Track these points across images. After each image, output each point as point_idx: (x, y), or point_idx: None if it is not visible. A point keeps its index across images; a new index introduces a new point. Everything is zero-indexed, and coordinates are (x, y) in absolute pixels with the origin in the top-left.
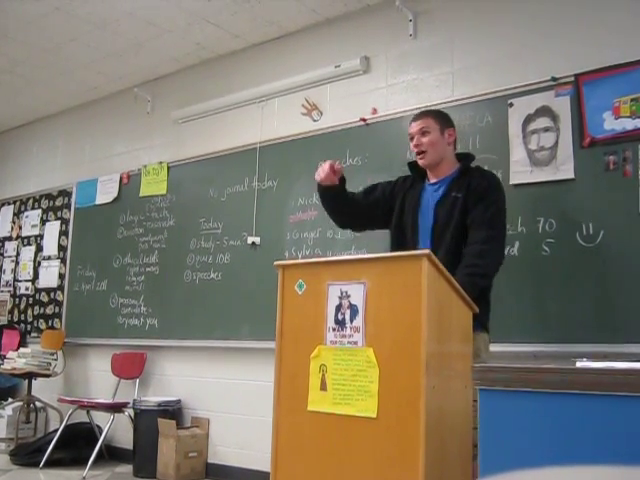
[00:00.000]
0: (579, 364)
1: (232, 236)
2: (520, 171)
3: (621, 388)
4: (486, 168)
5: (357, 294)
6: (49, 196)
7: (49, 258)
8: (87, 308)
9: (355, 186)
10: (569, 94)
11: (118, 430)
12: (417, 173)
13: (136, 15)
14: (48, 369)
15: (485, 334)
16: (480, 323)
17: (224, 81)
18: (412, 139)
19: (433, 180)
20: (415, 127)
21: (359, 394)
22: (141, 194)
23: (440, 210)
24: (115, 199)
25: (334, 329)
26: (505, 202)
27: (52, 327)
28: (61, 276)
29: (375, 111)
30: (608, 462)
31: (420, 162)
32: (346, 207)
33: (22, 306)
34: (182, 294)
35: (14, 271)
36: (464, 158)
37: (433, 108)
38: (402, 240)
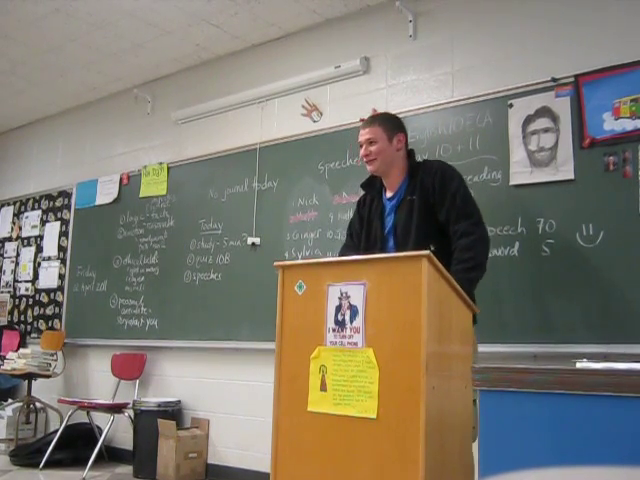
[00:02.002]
0: (579, 365)
1: (232, 237)
2: (520, 172)
3: (621, 389)
4: (486, 169)
5: (357, 295)
6: (49, 197)
7: (49, 259)
8: (87, 309)
9: (355, 187)
10: (569, 95)
11: (118, 431)
12: (372, 190)
13: (136, 16)
14: (48, 370)
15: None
16: None
17: (224, 82)
18: (360, 146)
19: (390, 194)
20: (363, 136)
21: (359, 395)
22: (141, 195)
23: (399, 215)
24: (115, 200)
25: (334, 330)
26: (464, 181)
27: (52, 328)
28: (61, 277)
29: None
30: (608, 463)
31: (368, 169)
32: None
33: (22, 307)
34: (182, 295)
35: (14, 272)
36: (412, 162)
37: (382, 113)
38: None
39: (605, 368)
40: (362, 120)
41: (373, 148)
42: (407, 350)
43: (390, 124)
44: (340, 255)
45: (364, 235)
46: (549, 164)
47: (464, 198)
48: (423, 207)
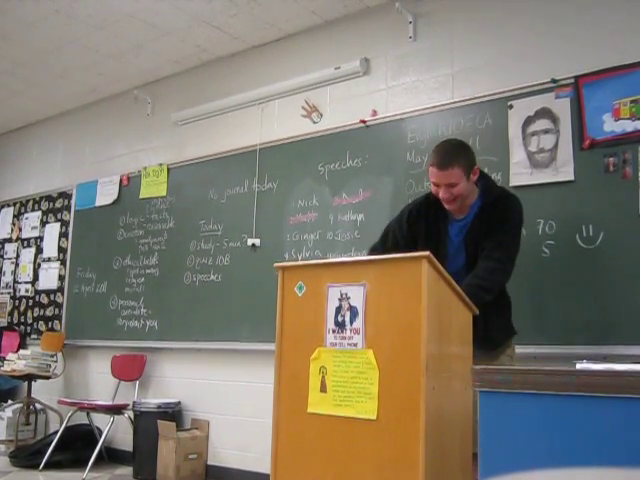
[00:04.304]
0: (579, 366)
1: (232, 238)
2: (520, 173)
3: (621, 390)
4: (486, 170)
5: (357, 296)
6: (49, 198)
7: (49, 260)
8: (87, 310)
9: (355, 188)
10: (569, 96)
11: (118, 432)
12: (437, 201)
13: (136, 17)
14: (48, 371)
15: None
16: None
17: (224, 83)
18: (437, 185)
19: (459, 217)
20: (442, 179)
21: (359, 396)
22: (141, 196)
23: (469, 244)
24: (115, 201)
25: (334, 331)
26: (521, 226)
27: (52, 329)
28: (61, 278)
29: (375, 113)
30: (608, 464)
31: (447, 207)
32: None
33: (22, 308)
34: (182, 296)
35: (14, 273)
36: (484, 184)
37: (455, 146)
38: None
39: (605, 369)
40: (362, 121)
41: (454, 190)
42: (407, 351)
43: (467, 162)
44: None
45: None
46: (549, 165)
47: (512, 237)
48: (485, 232)
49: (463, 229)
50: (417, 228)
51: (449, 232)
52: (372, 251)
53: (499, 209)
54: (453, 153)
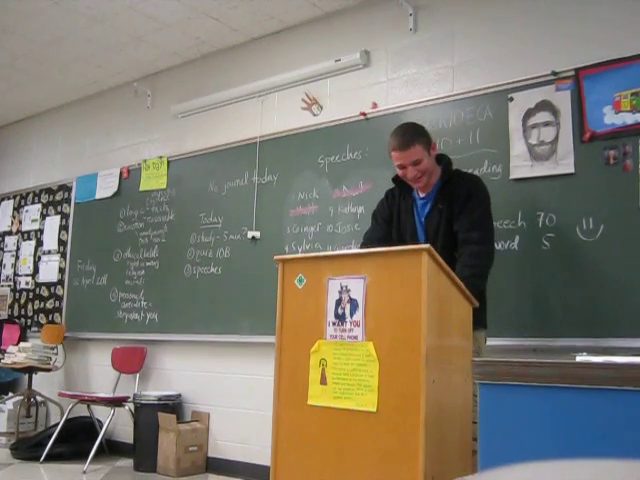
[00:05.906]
0: (579, 358)
1: (232, 230)
2: (520, 165)
3: (621, 382)
4: (486, 163)
5: (357, 288)
6: (49, 191)
7: (49, 253)
8: (87, 302)
9: (355, 181)
10: (569, 88)
11: (118, 424)
12: (403, 185)
13: (136, 9)
14: (48, 363)
15: (483, 331)
16: (480, 320)
17: (224, 75)
18: (403, 167)
19: (422, 195)
20: (406, 159)
21: (359, 388)
22: (141, 188)
23: (429, 224)
24: (115, 193)
25: (334, 323)
26: (489, 202)
27: (52, 321)
28: (61, 270)
29: (375, 105)
30: (608, 456)
31: (416, 186)
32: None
33: (22, 300)
34: (182, 288)
35: (14, 266)
36: (441, 161)
37: (410, 127)
38: None
39: (605, 362)
40: (363, 114)
41: (420, 167)
42: (407, 343)
43: (425, 138)
44: (366, 238)
45: (395, 229)
46: (549, 158)
47: (483, 214)
48: (450, 217)
49: (425, 206)
50: (392, 207)
51: (414, 212)
52: (370, 232)
53: (459, 187)
54: (410, 133)
